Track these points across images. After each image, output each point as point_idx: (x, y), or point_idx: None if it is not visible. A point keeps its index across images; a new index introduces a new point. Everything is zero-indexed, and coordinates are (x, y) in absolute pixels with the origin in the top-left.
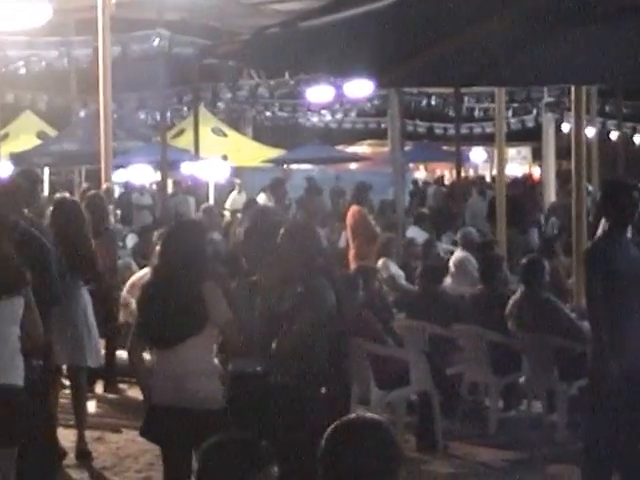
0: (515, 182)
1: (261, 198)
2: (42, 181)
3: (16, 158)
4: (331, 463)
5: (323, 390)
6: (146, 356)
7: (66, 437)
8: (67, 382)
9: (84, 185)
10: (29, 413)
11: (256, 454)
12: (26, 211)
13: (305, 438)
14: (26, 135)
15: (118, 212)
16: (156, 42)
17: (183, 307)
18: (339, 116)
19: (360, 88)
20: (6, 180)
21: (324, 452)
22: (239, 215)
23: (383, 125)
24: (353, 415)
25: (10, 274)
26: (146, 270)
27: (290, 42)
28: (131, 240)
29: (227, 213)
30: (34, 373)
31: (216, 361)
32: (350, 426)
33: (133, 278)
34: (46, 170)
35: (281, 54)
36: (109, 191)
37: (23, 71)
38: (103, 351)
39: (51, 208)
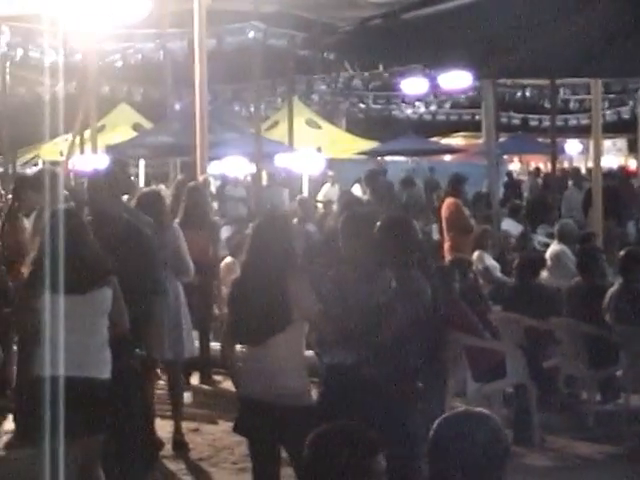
0: (611, 174)
1: (356, 189)
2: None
3: (112, 150)
4: (439, 456)
5: (419, 384)
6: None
7: (163, 428)
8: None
9: (179, 177)
10: (114, 405)
11: (365, 442)
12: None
13: (401, 431)
14: (122, 127)
15: (215, 204)
16: (251, 34)
17: (270, 303)
18: (433, 108)
19: (456, 80)
20: (104, 171)
21: (432, 444)
22: (334, 206)
23: (477, 117)
24: (462, 408)
25: (97, 266)
26: (229, 260)
27: (391, 34)
28: (225, 232)
29: (320, 205)
30: (132, 364)
31: (307, 354)
32: (460, 419)
33: (224, 269)
34: (141, 162)
35: (381, 46)
36: (206, 183)
37: (120, 64)
38: (197, 343)
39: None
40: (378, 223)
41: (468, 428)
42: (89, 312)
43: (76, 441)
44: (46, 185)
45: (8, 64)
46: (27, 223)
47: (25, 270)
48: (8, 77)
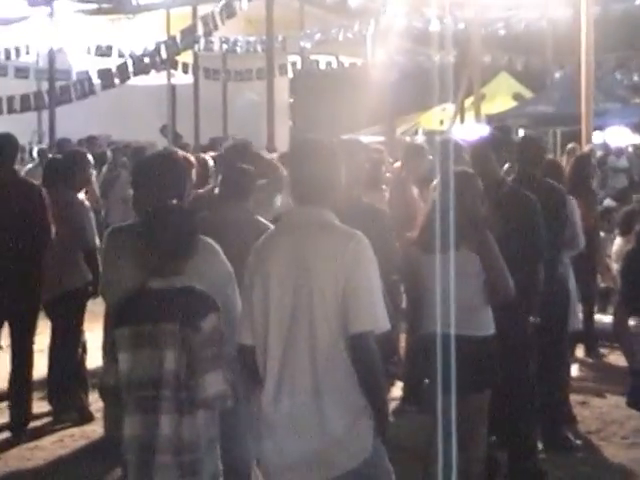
0: None
1: None
2: None
3: (492, 119)
4: None
5: None
6: (631, 322)
7: None
8: None
9: (570, 145)
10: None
11: None
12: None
13: None
14: (502, 96)
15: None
16: (637, 1)
17: None
18: None
19: None
20: (488, 138)
21: None
22: None
23: None
24: None
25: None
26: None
27: None
28: (606, 204)
29: None
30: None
31: None
32: None
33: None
34: (520, 132)
35: None
36: (592, 153)
37: (502, 32)
38: (581, 315)
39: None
40: None
41: None
42: (465, 271)
43: (465, 399)
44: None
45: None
46: (415, 192)
47: (414, 233)
48: (390, 47)
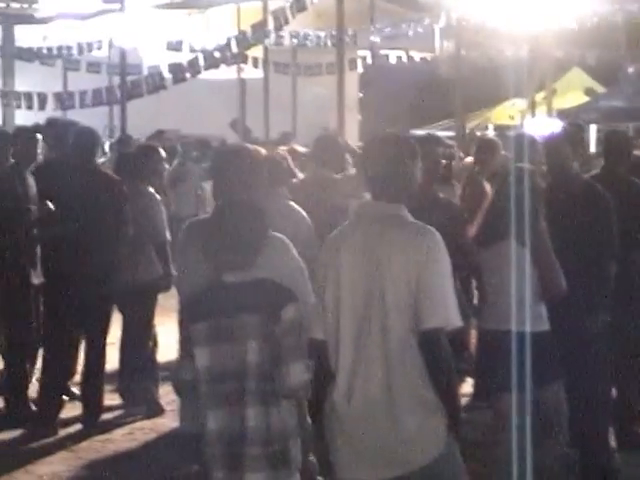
0: None
1: None
2: None
3: (563, 114)
4: None
5: None
6: None
7: None
8: None
9: None
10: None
11: None
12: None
13: None
14: (574, 91)
15: None
16: None
17: None
18: None
19: None
20: (561, 134)
21: None
22: None
23: None
24: None
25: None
26: None
27: None
28: None
29: None
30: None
31: None
32: None
33: None
34: (592, 127)
35: None
36: None
37: (574, 26)
38: None
39: None
40: None
41: None
42: (521, 266)
43: (538, 392)
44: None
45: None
46: (488, 187)
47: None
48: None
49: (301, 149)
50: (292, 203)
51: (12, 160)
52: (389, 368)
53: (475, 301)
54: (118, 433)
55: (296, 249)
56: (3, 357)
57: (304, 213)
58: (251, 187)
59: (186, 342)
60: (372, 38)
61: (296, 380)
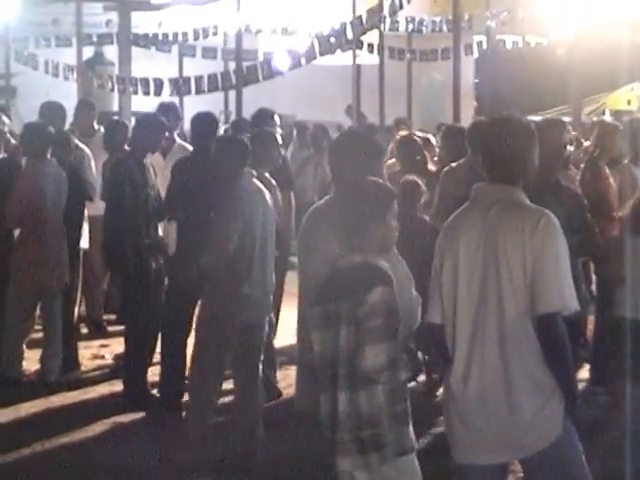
0: None
1: None
2: None
3: None
4: None
5: None
6: None
7: None
8: None
9: None
10: None
11: None
12: None
13: None
14: None
15: None
16: None
17: None
18: None
19: None
20: None
21: None
22: None
23: None
24: None
25: None
26: None
27: None
28: None
29: None
30: None
31: None
32: None
33: None
34: None
35: None
36: None
37: None
38: None
39: None
40: None
41: None
42: None
43: None
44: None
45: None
46: (608, 172)
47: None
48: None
49: (420, 134)
50: None
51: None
52: (505, 352)
53: (593, 287)
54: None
55: None
56: (125, 341)
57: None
58: (372, 171)
59: (305, 326)
60: (488, 23)
61: (371, 363)
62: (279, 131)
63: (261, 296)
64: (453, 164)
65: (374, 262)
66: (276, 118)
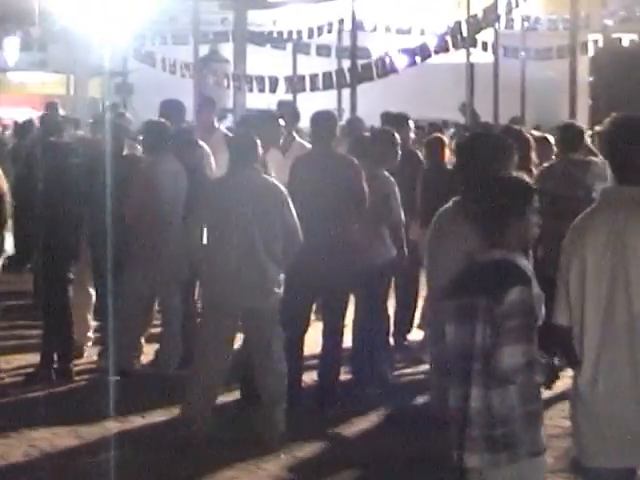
0: None
1: None
2: None
3: None
4: None
5: None
6: None
7: None
8: None
9: None
10: None
11: None
12: None
13: None
14: None
15: None
16: None
17: None
18: None
19: None
20: None
21: None
22: None
23: None
24: None
25: None
26: None
27: None
28: None
29: None
30: None
31: None
32: None
33: None
34: None
35: None
36: None
37: None
38: None
39: None
40: None
41: None
42: None
43: None
44: None
45: None
46: None
47: None
48: None
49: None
50: None
51: None
52: (635, 354)
53: None
54: (349, 409)
55: None
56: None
57: None
58: (503, 168)
59: (436, 320)
60: (605, 21)
61: (508, 363)
62: (412, 136)
63: None
64: (545, 164)
65: (513, 260)
66: (410, 123)
